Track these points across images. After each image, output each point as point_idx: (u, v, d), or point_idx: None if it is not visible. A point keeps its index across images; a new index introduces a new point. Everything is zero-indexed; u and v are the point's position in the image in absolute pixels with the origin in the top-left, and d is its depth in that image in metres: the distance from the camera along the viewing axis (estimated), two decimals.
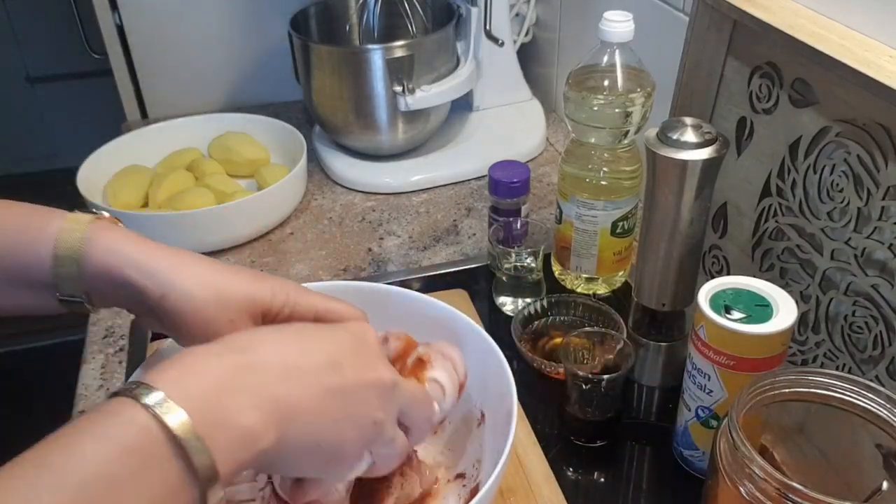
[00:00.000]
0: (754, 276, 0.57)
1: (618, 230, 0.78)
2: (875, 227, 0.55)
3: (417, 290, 0.64)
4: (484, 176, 0.93)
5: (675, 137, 0.61)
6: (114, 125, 1.21)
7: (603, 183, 0.75)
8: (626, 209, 0.77)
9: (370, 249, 0.93)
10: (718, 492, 0.48)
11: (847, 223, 0.57)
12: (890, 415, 0.46)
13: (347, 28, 1.13)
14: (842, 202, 0.58)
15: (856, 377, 0.48)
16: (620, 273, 0.83)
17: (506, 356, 0.57)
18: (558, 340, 0.76)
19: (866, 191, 0.55)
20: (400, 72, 0.97)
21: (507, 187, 0.82)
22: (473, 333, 0.59)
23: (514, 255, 0.79)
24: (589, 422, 0.66)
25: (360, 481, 0.51)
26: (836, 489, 0.45)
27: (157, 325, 0.48)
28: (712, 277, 0.65)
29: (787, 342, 0.55)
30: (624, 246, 0.80)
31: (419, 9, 1.10)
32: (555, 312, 0.78)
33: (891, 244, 0.54)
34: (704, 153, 0.60)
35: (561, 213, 0.79)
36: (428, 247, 0.93)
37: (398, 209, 1.00)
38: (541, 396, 0.71)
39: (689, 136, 0.61)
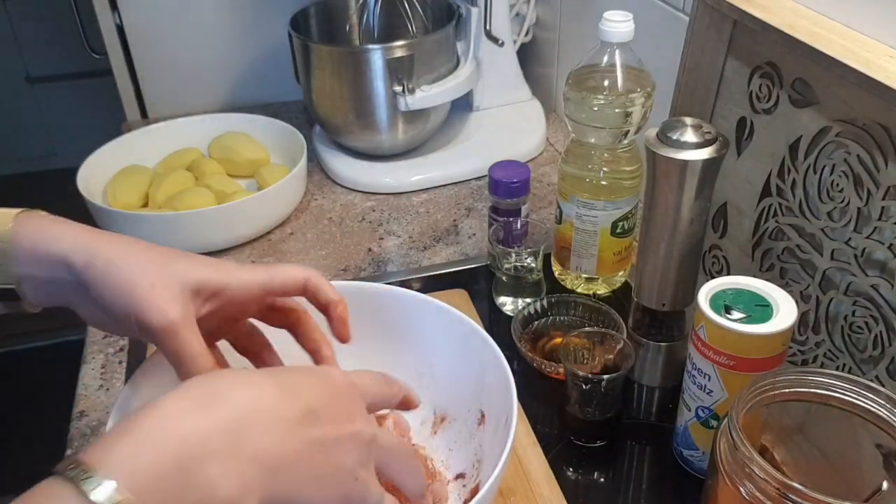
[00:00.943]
0: (754, 276, 0.57)
1: (618, 230, 0.78)
2: (875, 227, 0.55)
3: (417, 291, 0.64)
4: (484, 176, 0.93)
5: (675, 137, 0.61)
6: (114, 125, 1.21)
7: (603, 183, 0.75)
8: (626, 209, 0.77)
9: (370, 249, 0.93)
10: (718, 492, 0.48)
11: (847, 223, 0.57)
12: (890, 415, 0.46)
13: (347, 28, 1.13)
14: (842, 202, 0.58)
15: (856, 377, 0.48)
16: (620, 273, 0.83)
17: (506, 356, 0.57)
18: (558, 340, 0.76)
19: (866, 191, 0.55)
20: (400, 72, 0.97)
21: (507, 187, 0.82)
22: (473, 333, 0.59)
23: (514, 255, 0.79)
24: (589, 422, 0.66)
25: None
26: (836, 489, 0.45)
27: (90, 309, 0.48)
28: (712, 277, 0.65)
29: (787, 342, 0.55)
30: (624, 246, 0.80)
31: (419, 9, 1.10)
32: (555, 312, 0.78)
33: (891, 244, 0.54)
34: (704, 153, 0.60)
35: (561, 213, 0.79)
36: (428, 247, 0.93)
37: (398, 209, 1.00)
38: (541, 396, 0.71)
39: (689, 136, 0.61)
